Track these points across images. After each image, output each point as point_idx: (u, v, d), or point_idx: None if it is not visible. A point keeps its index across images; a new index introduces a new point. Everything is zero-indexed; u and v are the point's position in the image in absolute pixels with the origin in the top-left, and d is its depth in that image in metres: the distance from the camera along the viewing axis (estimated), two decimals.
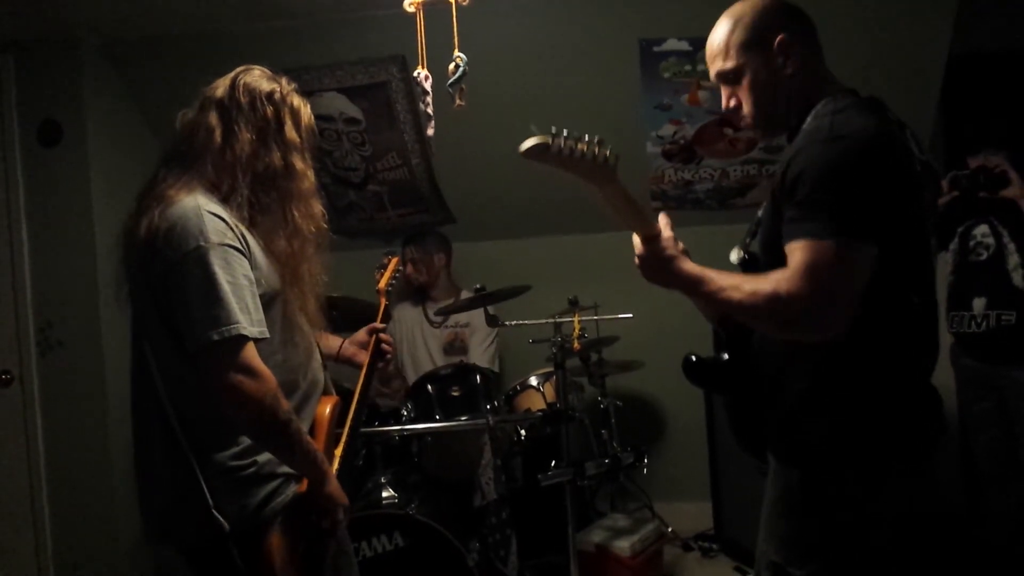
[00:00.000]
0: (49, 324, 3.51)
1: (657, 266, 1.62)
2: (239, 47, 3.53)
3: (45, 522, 3.51)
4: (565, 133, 1.39)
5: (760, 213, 1.73)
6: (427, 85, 2.30)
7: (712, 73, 1.71)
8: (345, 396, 2.11)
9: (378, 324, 2.28)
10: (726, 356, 1.77)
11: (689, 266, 1.60)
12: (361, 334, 2.27)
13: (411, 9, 2.31)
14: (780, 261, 1.50)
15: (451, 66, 2.24)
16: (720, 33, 1.67)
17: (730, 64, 1.65)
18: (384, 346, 2.25)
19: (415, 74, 2.33)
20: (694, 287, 1.59)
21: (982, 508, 3.29)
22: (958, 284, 3.22)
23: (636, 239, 1.64)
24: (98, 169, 3.51)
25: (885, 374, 1.55)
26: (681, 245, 1.65)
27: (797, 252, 1.44)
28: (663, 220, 1.66)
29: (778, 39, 1.61)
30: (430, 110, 2.32)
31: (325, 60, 3.65)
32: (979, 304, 3.13)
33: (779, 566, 1.62)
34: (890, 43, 3.37)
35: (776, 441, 1.67)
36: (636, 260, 1.65)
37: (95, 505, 3.49)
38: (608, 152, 1.43)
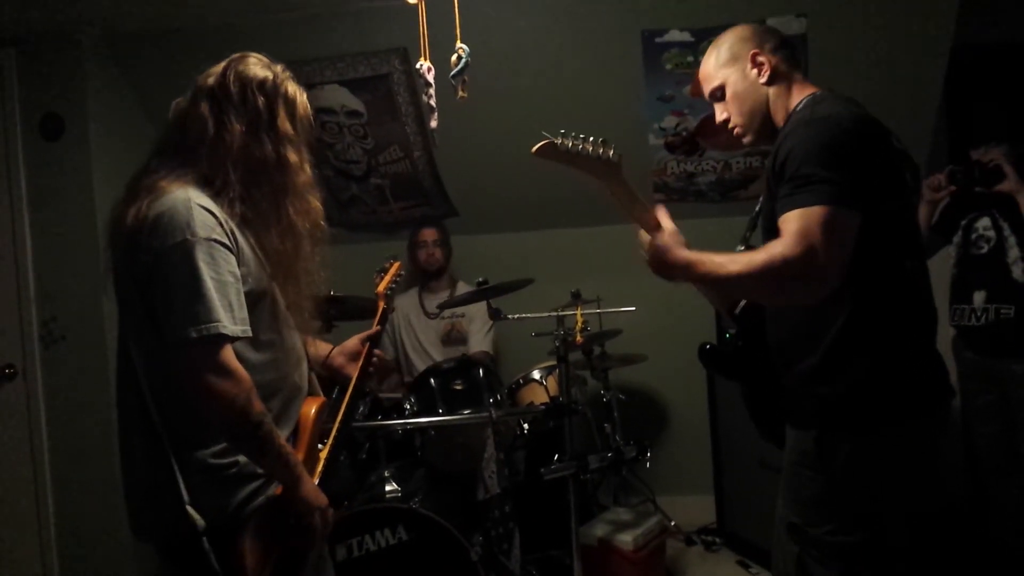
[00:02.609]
0: (53, 317, 3.52)
1: (658, 258, 1.73)
2: (240, 39, 3.48)
3: (49, 515, 3.52)
4: (573, 134, 1.56)
5: (759, 206, 1.90)
6: (429, 77, 2.29)
7: (707, 97, 1.96)
8: (346, 388, 2.08)
9: (373, 330, 2.19)
10: (740, 343, 1.92)
11: (684, 252, 1.72)
12: (353, 343, 2.17)
13: (413, 0, 2.30)
14: None
15: (453, 57, 2.23)
16: (705, 63, 1.94)
17: (716, 83, 1.91)
18: (374, 360, 2.16)
19: (417, 66, 2.32)
20: (691, 270, 1.70)
21: (985, 502, 3.28)
22: (960, 277, 3.21)
23: (643, 235, 1.77)
24: (100, 162, 3.52)
25: (890, 336, 1.68)
26: (680, 238, 1.76)
27: (790, 221, 1.58)
28: (661, 212, 1.79)
29: (751, 53, 1.85)
30: (433, 102, 2.30)
31: (326, 52, 3.64)
32: (979, 297, 3.12)
33: (797, 527, 1.74)
34: (893, 36, 3.36)
35: (793, 408, 1.79)
36: (643, 254, 1.78)
37: (99, 498, 3.49)
38: (612, 151, 1.60)
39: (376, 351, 2.17)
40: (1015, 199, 2.96)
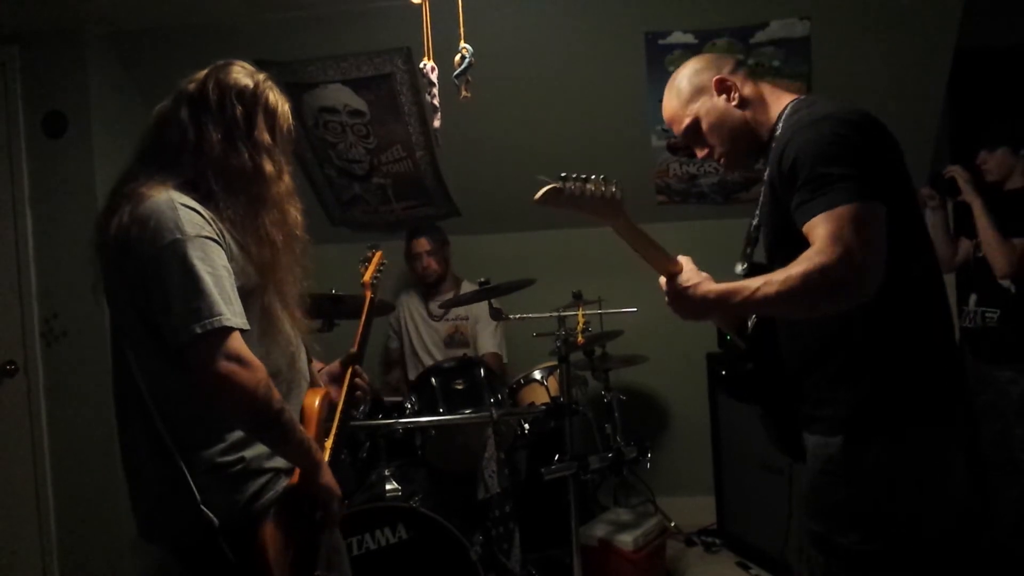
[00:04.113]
0: (54, 315, 3.52)
1: (684, 298, 1.64)
2: (244, 38, 3.53)
3: (49, 512, 3.52)
4: (573, 176, 1.47)
5: (755, 221, 1.83)
6: (433, 77, 2.29)
7: (681, 138, 1.88)
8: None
9: (352, 351, 2.10)
10: (750, 366, 1.83)
11: (715, 286, 1.62)
12: (334, 365, 2.10)
13: (416, 0, 2.31)
14: (793, 254, 1.54)
15: (457, 57, 2.23)
16: (668, 104, 1.87)
17: (687, 121, 1.83)
18: (359, 384, 2.07)
19: (421, 65, 2.32)
20: (726, 302, 1.60)
21: (986, 503, 3.28)
22: (967, 278, 3.23)
23: (661, 280, 1.69)
24: (102, 160, 3.52)
25: (911, 336, 1.64)
26: (704, 275, 1.67)
27: (818, 227, 1.51)
28: (684, 260, 1.69)
29: (714, 80, 1.80)
30: (436, 102, 2.31)
31: (330, 52, 3.65)
32: (972, 300, 3.15)
33: (823, 536, 1.67)
34: (896, 39, 3.36)
35: (815, 415, 1.72)
36: (666, 300, 1.68)
37: (99, 495, 3.50)
38: (615, 188, 1.51)
39: (360, 379, 2.08)
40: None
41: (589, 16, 3.42)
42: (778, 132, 1.72)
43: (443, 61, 2.29)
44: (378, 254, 2.46)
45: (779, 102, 1.78)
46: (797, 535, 1.86)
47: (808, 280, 1.48)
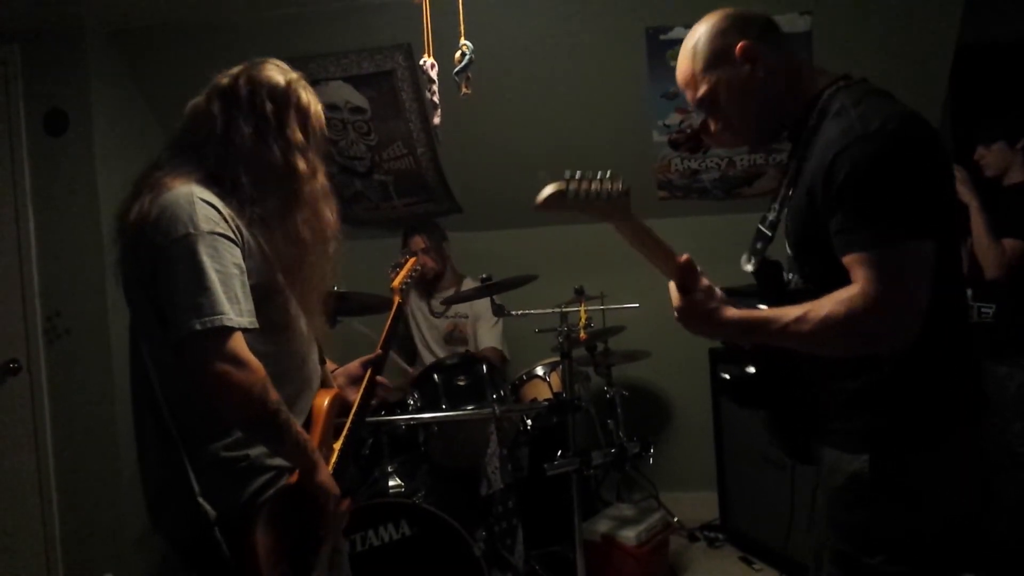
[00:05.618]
0: (56, 313, 3.52)
1: (700, 319, 1.53)
2: (245, 35, 3.52)
3: (53, 509, 3.53)
4: (578, 175, 1.36)
5: (771, 216, 1.67)
6: (433, 73, 2.30)
7: (693, 106, 1.69)
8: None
9: (374, 354, 2.10)
10: (751, 369, 1.70)
11: (736, 313, 1.52)
12: (355, 366, 2.11)
13: None
14: (819, 264, 1.49)
15: (457, 54, 2.24)
16: (683, 66, 1.67)
17: (703, 90, 1.64)
18: (379, 389, 2.09)
19: (421, 62, 2.33)
20: (750, 333, 1.53)
21: (988, 498, 3.28)
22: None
23: (672, 290, 1.57)
24: (104, 158, 3.52)
25: (944, 351, 1.53)
26: (719, 292, 1.56)
27: (862, 265, 1.40)
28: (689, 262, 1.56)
29: (737, 47, 1.59)
30: (436, 98, 2.31)
31: (331, 48, 3.64)
32: (968, 295, 3.13)
33: (849, 555, 1.57)
34: (898, 34, 3.35)
35: (834, 429, 1.61)
36: (675, 313, 1.56)
37: (103, 493, 3.51)
38: (620, 184, 1.40)
39: (379, 379, 2.09)
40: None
41: (590, 11, 3.42)
42: (813, 120, 1.56)
43: (444, 58, 2.29)
44: (411, 261, 2.46)
45: (815, 79, 1.60)
46: (799, 531, 1.81)
47: (850, 325, 1.40)
